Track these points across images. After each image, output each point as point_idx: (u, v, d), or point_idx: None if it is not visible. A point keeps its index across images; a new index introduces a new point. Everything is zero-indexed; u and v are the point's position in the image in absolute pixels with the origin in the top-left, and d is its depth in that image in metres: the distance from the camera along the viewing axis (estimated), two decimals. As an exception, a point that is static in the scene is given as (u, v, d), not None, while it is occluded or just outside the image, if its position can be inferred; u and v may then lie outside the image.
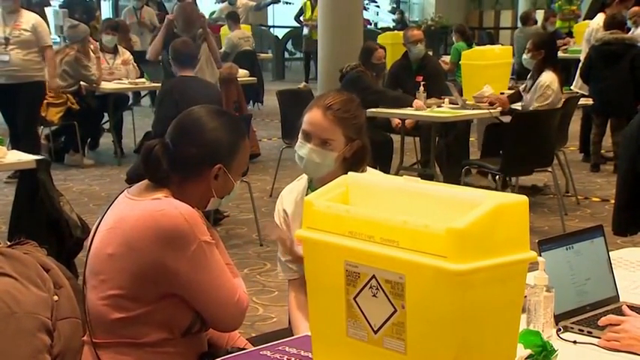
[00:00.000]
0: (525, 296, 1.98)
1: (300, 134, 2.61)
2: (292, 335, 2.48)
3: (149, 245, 2.12)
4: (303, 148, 2.59)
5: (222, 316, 2.24)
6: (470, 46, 10.20)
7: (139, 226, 2.14)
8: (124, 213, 2.20)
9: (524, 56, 6.67)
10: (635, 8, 9.14)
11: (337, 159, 2.55)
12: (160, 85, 7.90)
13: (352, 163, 2.56)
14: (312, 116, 2.57)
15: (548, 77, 6.41)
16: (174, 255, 2.12)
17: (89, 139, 9.06)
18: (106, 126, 9.15)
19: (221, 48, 11.75)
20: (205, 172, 2.26)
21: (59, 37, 11.75)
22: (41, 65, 7.47)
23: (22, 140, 7.37)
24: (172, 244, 2.11)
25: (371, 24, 20.72)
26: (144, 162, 2.26)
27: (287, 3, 22.07)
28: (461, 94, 7.24)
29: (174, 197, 2.21)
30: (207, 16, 16.42)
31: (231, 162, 2.29)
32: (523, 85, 6.96)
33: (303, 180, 2.74)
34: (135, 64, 9.17)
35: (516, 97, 6.94)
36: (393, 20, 20.68)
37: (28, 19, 7.39)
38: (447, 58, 10.71)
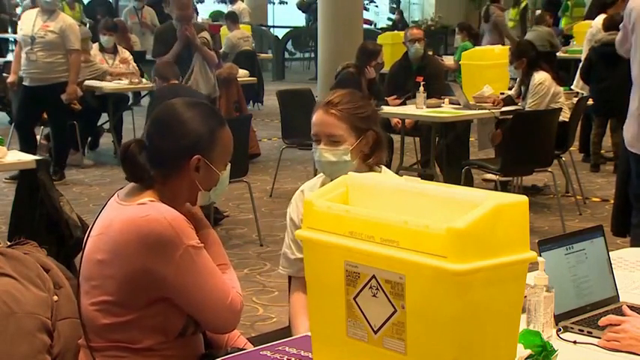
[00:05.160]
0: (525, 296, 1.98)
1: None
2: (292, 335, 2.49)
3: (134, 252, 2.10)
4: (316, 152, 2.58)
5: (215, 319, 2.20)
6: (475, 44, 10.20)
7: (124, 232, 2.12)
8: (112, 218, 2.18)
9: (510, 68, 6.93)
10: None
11: (353, 154, 2.53)
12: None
13: (370, 155, 2.55)
14: (316, 117, 2.58)
15: (540, 76, 6.57)
16: (161, 261, 2.09)
17: (89, 139, 9.07)
18: (106, 126, 9.15)
19: (221, 48, 11.75)
20: (184, 165, 2.20)
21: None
22: (67, 67, 7.46)
23: (52, 141, 7.76)
24: (158, 251, 2.09)
25: (371, 24, 20.73)
26: (122, 161, 2.24)
27: (283, 3, 22.08)
28: (461, 95, 7.25)
29: (161, 197, 2.19)
30: (207, 16, 16.48)
31: (211, 152, 2.23)
32: (513, 91, 7.08)
33: (324, 177, 2.67)
34: (135, 64, 9.17)
35: (508, 102, 6.98)
36: (390, 19, 20.70)
37: (60, 21, 7.37)
38: (446, 58, 10.70)
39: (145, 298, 2.14)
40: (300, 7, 19.90)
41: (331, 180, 2.62)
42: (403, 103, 7.31)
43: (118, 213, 2.17)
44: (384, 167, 2.62)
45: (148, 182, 2.21)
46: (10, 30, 15.73)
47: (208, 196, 2.29)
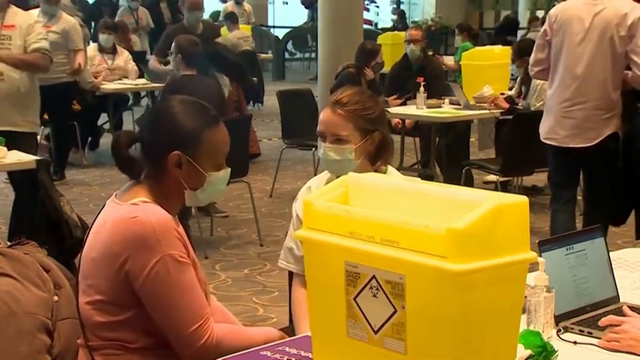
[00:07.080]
0: (525, 297, 1.98)
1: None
2: (294, 332, 2.49)
3: (119, 252, 2.10)
4: (320, 149, 2.58)
5: (174, 340, 2.15)
6: (475, 44, 10.19)
7: (114, 232, 2.12)
8: (107, 217, 2.19)
9: (512, 66, 6.92)
10: None
11: (357, 153, 2.52)
12: (159, 85, 7.97)
13: (376, 155, 2.55)
14: (323, 115, 2.57)
15: None
16: (136, 263, 2.09)
17: (89, 139, 9.07)
18: (106, 126, 9.15)
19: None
20: (166, 160, 2.18)
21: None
22: (69, 67, 7.52)
23: (53, 141, 7.80)
24: (136, 252, 2.09)
25: (371, 24, 20.73)
26: (111, 152, 2.26)
27: (285, 3, 22.11)
28: (462, 95, 7.26)
29: (154, 196, 2.19)
30: (207, 16, 16.45)
31: (194, 151, 2.19)
32: (513, 91, 7.09)
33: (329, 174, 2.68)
34: (134, 65, 9.16)
35: (509, 102, 6.99)
36: (392, 20, 20.73)
37: (62, 22, 7.41)
38: (447, 59, 10.69)
39: (133, 298, 2.13)
40: (303, 2, 19.94)
41: (336, 177, 2.63)
42: (403, 104, 7.32)
43: (112, 212, 2.18)
44: (390, 167, 2.62)
45: (139, 177, 2.23)
46: None
47: (197, 197, 2.26)
